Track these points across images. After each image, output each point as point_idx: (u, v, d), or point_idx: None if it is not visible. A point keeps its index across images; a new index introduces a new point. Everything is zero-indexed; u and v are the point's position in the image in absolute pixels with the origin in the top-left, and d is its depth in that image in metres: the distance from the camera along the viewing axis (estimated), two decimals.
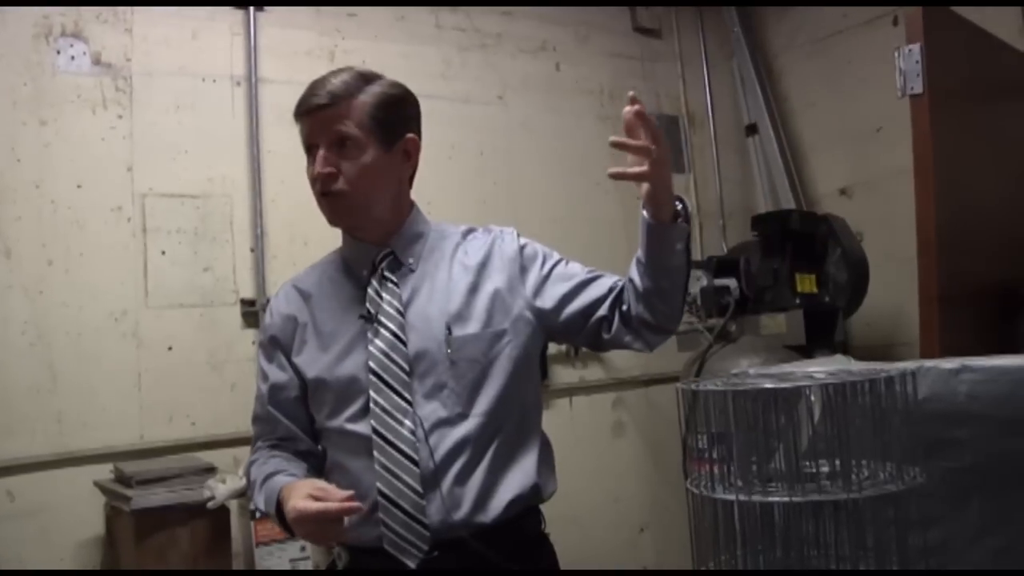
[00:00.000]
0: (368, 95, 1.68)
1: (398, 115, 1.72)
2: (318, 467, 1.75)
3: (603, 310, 1.69)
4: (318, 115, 1.66)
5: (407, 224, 1.76)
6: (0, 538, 2.61)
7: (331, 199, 1.67)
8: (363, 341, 1.67)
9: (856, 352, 3.48)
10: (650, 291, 1.61)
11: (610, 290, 1.70)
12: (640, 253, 1.61)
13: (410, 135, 1.74)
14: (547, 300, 1.71)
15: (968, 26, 2.73)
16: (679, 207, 1.57)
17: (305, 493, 1.50)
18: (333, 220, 1.73)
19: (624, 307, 1.66)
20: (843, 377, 1.17)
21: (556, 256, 1.78)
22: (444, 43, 3.59)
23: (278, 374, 1.76)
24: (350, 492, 1.50)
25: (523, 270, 1.73)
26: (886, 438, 1.16)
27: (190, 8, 3.08)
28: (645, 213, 1.57)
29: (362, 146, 1.66)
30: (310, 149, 1.69)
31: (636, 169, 1.50)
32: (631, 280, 1.64)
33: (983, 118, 2.77)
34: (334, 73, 1.70)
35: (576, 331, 1.73)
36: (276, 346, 1.78)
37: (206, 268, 3.04)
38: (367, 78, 1.70)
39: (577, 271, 1.75)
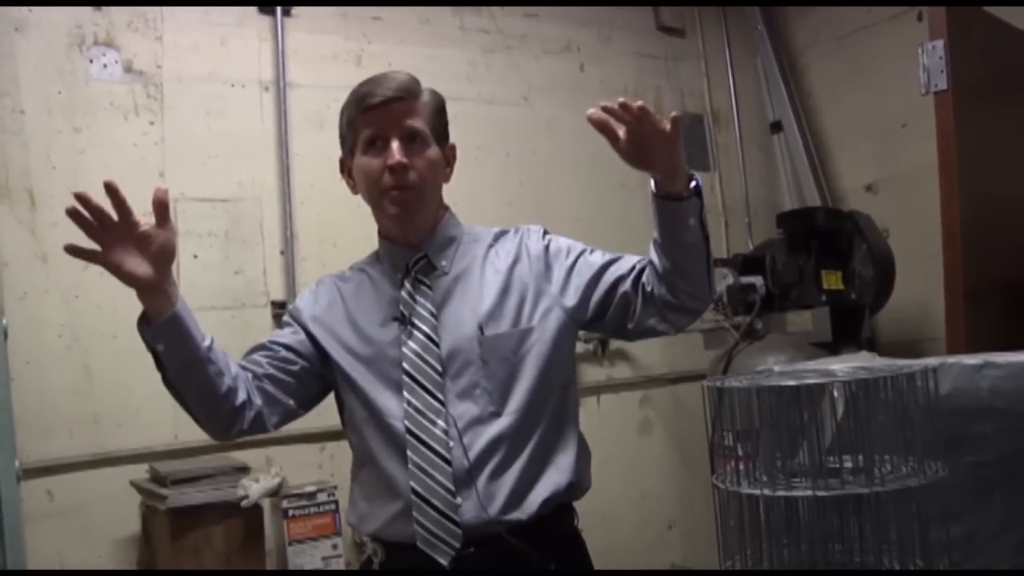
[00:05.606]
0: (427, 96, 1.72)
1: (444, 120, 1.76)
2: (244, 390, 1.68)
3: (626, 285, 1.67)
4: (391, 108, 1.66)
5: (440, 228, 1.77)
6: (40, 536, 2.66)
7: (404, 191, 1.67)
8: (397, 342, 1.68)
9: (883, 348, 3.48)
10: (669, 270, 1.59)
11: (631, 268, 1.68)
12: (655, 232, 1.59)
13: (451, 142, 1.78)
14: (572, 292, 1.70)
15: (992, 21, 2.73)
16: (692, 184, 1.55)
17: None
18: (402, 214, 1.70)
19: (648, 288, 1.64)
20: (865, 374, 1.19)
21: (580, 247, 1.77)
22: (469, 45, 3.62)
23: (291, 338, 1.74)
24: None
25: (548, 268, 1.73)
26: (908, 433, 1.17)
27: (219, 15, 3.13)
28: (652, 185, 1.55)
29: (428, 142, 1.70)
30: (374, 142, 1.67)
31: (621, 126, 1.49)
32: (651, 261, 1.62)
33: (1008, 113, 2.76)
34: (393, 72, 1.71)
35: (603, 315, 1.70)
36: (298, 319, 1.76)
37: (237, 271, 3.08)
38: (418, 81, 1.72)
39: (597, 259, 1.73)
